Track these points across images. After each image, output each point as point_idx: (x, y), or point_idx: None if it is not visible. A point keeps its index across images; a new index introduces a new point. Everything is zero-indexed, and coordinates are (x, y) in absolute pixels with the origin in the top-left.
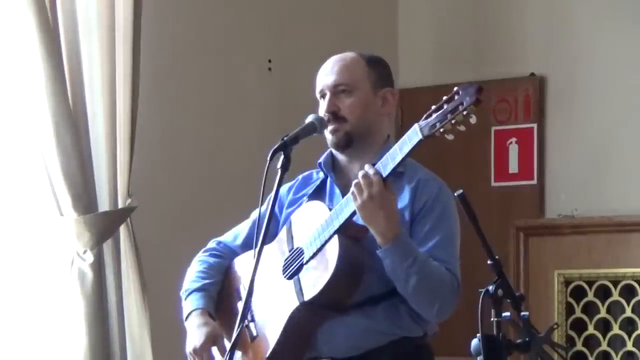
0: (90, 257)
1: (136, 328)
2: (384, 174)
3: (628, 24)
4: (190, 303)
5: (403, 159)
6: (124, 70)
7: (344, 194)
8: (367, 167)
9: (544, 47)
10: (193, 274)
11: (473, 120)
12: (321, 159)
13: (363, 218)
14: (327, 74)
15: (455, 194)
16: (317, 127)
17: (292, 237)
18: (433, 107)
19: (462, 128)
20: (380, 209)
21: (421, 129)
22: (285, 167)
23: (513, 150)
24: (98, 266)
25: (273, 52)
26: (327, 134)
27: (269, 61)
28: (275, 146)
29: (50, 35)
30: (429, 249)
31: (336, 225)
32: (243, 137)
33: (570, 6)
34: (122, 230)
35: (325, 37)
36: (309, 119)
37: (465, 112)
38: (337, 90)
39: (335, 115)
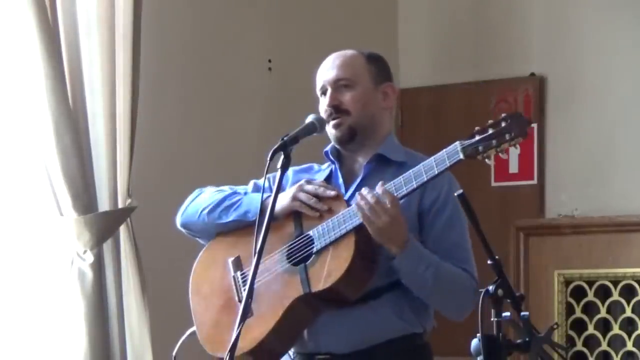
0: (90, 257)
1: (136, 328)
2: (415, 186)
3: (628, 24)
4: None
5: (437, 175)
6: (124, 70)
7: (346, 182)
8: (379, 188)
9: (544, 47)
10: (217, 193)
11: (517, 149)
12: (327, 148)
13: (378, 239)
14: (327, 70)
15: (455, 194)
16: (317, 127)
17: (300, 222)
18: (477, 128)
19: (504, 156)
20: (393, 227)
21: (464, 148)
22: (285, 167)
23: (513, 150)
24: (98, 266)
25: (273, 52)
26: (330, 129)
27: (269, 61)
28: (275, 146)
29: (50, 35)
30: (448, 248)
31: (356, 222)
32: (243, 137)
33: (571, 6)
34: (122, 230)
35: (325, 37)
36: (309, 119)
37: (512, 142)
38: (339, 84)
39: (337, 108)
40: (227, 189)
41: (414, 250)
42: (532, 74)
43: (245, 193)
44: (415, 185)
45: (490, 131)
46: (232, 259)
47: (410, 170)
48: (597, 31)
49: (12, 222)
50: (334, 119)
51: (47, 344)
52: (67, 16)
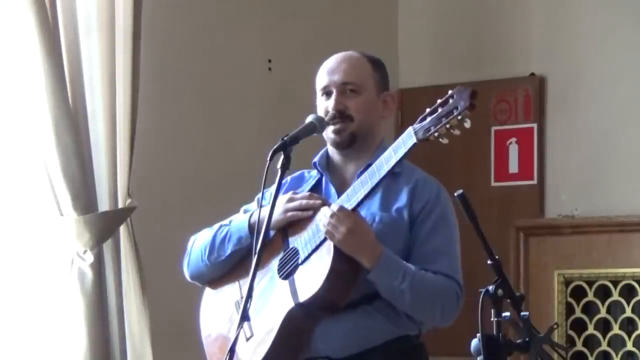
0: (90, 257)
1: (136, 328)
2: (376, 181)
3: (628, 24)
4: (244, 216)
5: (398, 162)
6: (124, 70)
7: (339, 192)
8: (333, 206)
9: (544, 47)
10: (207, 233)
11: (467, 124)
12: (316, 159)
13: (346, 251)
14: (333, 72)
15: (455, 194)
16: (317, 127)
17: (287, 237)
18: (427, 109)
19: (456, 132)
20: (354, 237)
21: (415, 132)
22: (285, 167)
23: (513, 150)
24: (98, 266)
25: (273, 52)
26: (329, 133)
27: (269, 61)
28: (275, 146)
29: (50, 35)
30: (430, 254)
31: None
32: (243, 137)
33: (571, 6)
34: (122, 230)
35: (325, 37)
36: (309, 119)
37: (459, 117)
38: (345, 88)
39: (342, 113)
40: (216, 226)
41: (387, 263)
42: (532, 74)
43: (231, 222)
44: (376, 181)
45: (440, 110)
46: (232, 286)
47: (366, 172)
48: (597, 31)
49: (12, 222)
50: (335, 124)
51: (47, 344)
52: (67, 16)
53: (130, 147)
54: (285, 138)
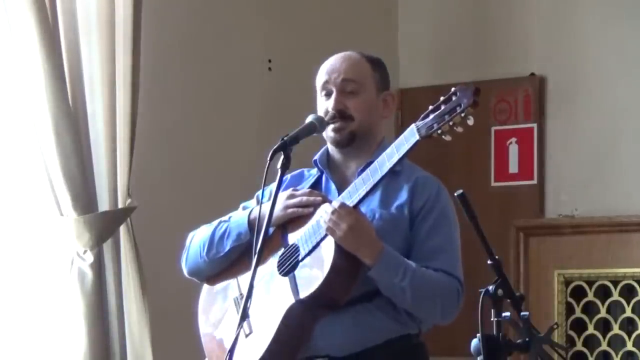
0: (90, 257)
1: (136, 328)
2: (378, 179)
3: (628, 24)
4: (243, 213)
5: (400, 159)
6: (124, 70)
7: (339, 189)
8: (334, 203)
9: (544, 47)
10: (206, 229)
11: (471, 122)
12: (316, 157)
13: (347, 248)
14: (333, 71)
15: (455, 194)
16: (317, 127)
17: (287, 233)
18: (430, 107)
19: (459, 129)
20: (355, 234)
21: (418, 130)
22: (285, 167)
23: (513, 150)
24: (98, 266)
25: (273, 52)
26: (330, 132)
27: (269, 61)
28: (275, 146)
29: (50, 35)
30: (431, 252)
31: None
32: (243, 137)
33: (571, 6)
34: (122, 230)
35: (325, 37)
36: (309, 119)
37: (462, 114)
38: (345, 88)
39: (342, 113)
40: (215, 222)
41: (388, 260)
42: (532, 74)
43: (230, 218)
44: (378, 178)
45: (443, 107)
46: (231, 283)
47: (368, 169)
48: (597, 31)
49: (12, 222)
50: (334, 123)
51: (47, 344)
52: (67, 16)
53: (130, 147)
54: (285, 138)
